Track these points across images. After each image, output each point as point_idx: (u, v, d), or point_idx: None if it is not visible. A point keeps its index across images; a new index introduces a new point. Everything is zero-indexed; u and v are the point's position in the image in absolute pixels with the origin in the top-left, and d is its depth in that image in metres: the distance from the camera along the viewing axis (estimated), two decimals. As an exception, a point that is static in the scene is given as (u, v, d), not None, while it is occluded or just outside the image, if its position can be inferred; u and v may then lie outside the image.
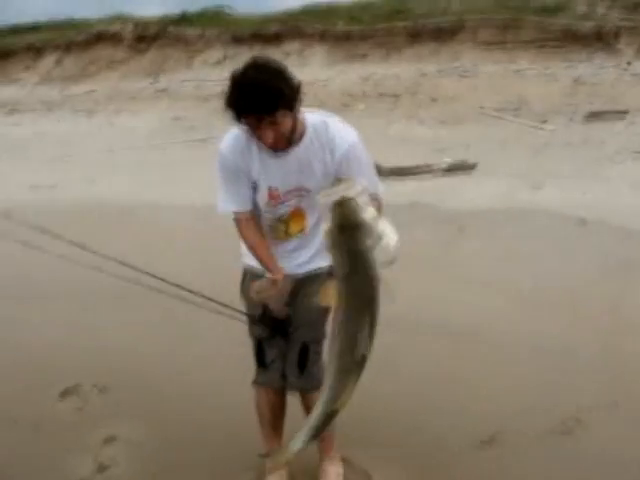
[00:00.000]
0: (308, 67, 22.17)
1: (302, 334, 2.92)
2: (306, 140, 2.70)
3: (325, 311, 2.87)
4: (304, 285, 2.88)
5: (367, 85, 18.59)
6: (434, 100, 16.41)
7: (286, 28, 23.90)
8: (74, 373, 4.27)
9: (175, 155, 13.19)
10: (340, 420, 3.08)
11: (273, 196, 2.78)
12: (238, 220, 2.82)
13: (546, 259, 6.22)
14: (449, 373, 4.15)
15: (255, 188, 2.82)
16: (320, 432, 2.45)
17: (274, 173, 2.74)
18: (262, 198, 2.81)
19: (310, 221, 2.86)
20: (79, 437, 3.60)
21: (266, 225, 2.87)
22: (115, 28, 25.61)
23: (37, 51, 26.46)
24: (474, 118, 14.90)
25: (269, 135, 2.55)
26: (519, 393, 3.87)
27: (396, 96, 16.98)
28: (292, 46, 23.70)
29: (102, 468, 3.36)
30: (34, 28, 29.16)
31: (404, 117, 15.20)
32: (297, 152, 2.71)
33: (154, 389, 4.06)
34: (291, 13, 25.47)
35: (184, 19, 25.72)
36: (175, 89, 21.13)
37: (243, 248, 2.96)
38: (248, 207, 2.81)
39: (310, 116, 2.73)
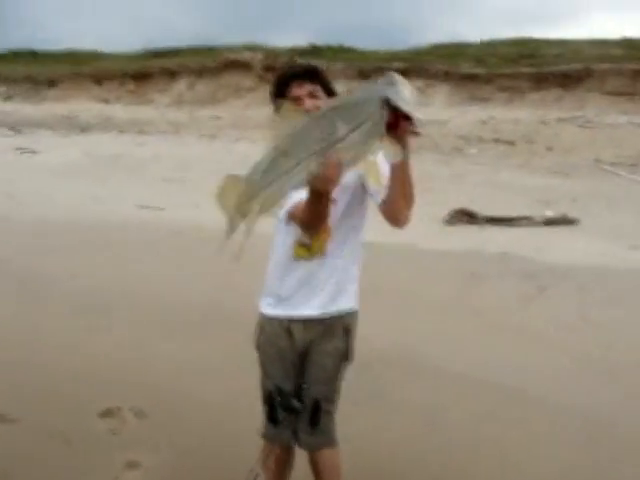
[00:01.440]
0: (429, 106, 22.30)
1: (315, 391, 2.92)
2: None
3: (339, 368, 2.94)
4: (321, 340, 2.90)
5: (485, 129, 18.55)
6: (549, 149, 16.20)
7: (410, 65, 24.16)
8: (119, 394, 4.53)
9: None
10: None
11: None
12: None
13: (626, 328, 6.08)
14: (486, 435, 4.16)
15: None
16: None
17: None
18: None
19: (333, 237, 2.81)
20: (105, 458, 3.82)
21: (287, 243, 2.85)
22: (246, 56, 26.63)
23: (172, 74, 27.84)
24: (587, 171, 14.61)
25: (309, 105, 2.64)
26: (555, 466, 3.84)
27: (511, 143, 16.86)
28: (415, 84, 23.73)
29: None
30: (172, 52, 30.73)
31: (516, 165, 15.06)
32: None
33: (189, 421, 4.25)
34: (417, 51, 25.77)
35: (312, 51, 26.43)
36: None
37: (264, 293, 2.97)
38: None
39: None
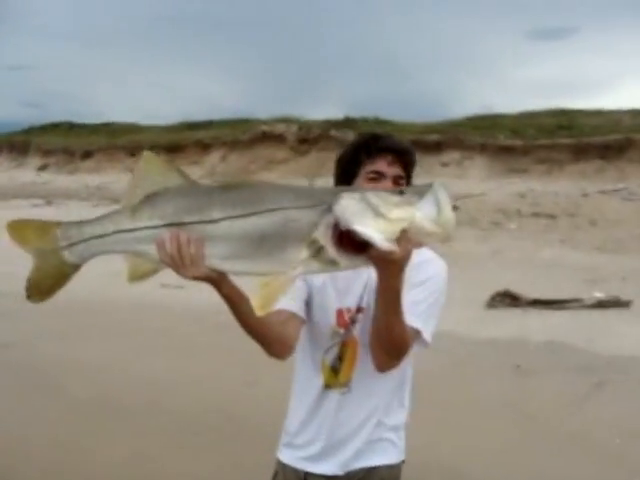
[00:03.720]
0: (466, 179, 21.76)
1: None
2: None
3: None
4: None
5: (523, 203, 17.89)
6: (593, 224, 15.47)
7: (446, 138, 23.76)
8: None
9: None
10: None
11: (342, 320, 2.18)
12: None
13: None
14: None
15: (309, 304, 2.20)
16: None
17: (348, 284, 2.18)
18: (324, 322, 2.19)
19: (359, 365, 2.17)
20: None
21: (310, 366, 2.24)
22: (280, 129, 26.48)
23: (205, 147, 27.80)
24: (636, 247, 13.81)
25: (384, 187, 2.05)
26: None
27: (552, 217, 16.17)
28: (451, 156, 23.49)
29: None
30: (206, 124, 30.86)
31: (558, 241, 14.35)
32: None
33: None
34: (453, 123, 25.38)
35: (347, 123, 26.15)
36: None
37: (284, 429, 2.36)
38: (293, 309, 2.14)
39: None
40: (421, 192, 1.63)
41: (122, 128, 34.65)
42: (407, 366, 2.22)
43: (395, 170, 2.11)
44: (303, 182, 22.96)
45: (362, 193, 1.65)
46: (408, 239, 1.61)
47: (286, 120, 27.35)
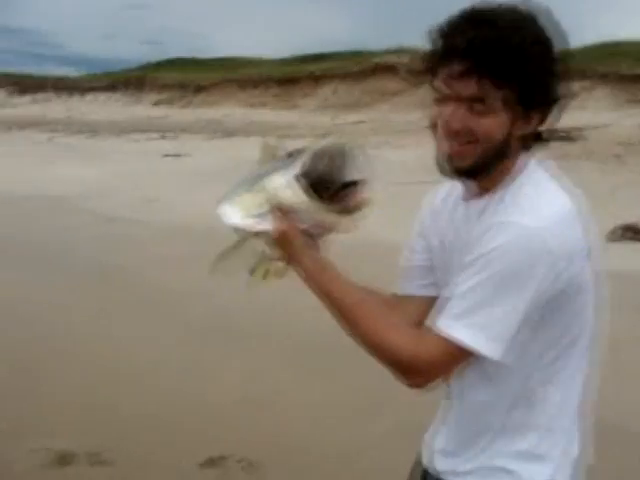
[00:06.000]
0: (586, 110, 20.88)
1: None
2: (496, 197, 1.48)
3: None
4: None
5: (647, 135, 17.03)
6: None
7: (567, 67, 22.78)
8: (225, 441, 3.98)
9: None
10: None
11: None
12: None
13: None
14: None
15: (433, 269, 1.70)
16: None
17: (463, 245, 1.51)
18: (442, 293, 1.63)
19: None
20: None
21: None
22: (391, 60, 26.06)
23: (317, 80, 27.72)
24: None
25: (451, 114, 1.38)
26: None
27: (677, 150, 15.34)
28: (572, 86, 22.54)
29: None
30: (318, 57, 30.73)
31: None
32: (487, 210, 1.48)
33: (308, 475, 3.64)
34: (574, 52, 24.30)
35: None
36: (442, 125, 20.86)
37: None
38: (409, 290, 1.73)
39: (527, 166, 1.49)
40: (300, 153, 1.33)
41: (235, 63, 34.93)
42: (535, 379, 1.54)
43: (466, 87, 1.35)
44: (416, 114, 22.59)
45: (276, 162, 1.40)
46: (276, 214, 1.36)
47: (398, 51, 26.84)
